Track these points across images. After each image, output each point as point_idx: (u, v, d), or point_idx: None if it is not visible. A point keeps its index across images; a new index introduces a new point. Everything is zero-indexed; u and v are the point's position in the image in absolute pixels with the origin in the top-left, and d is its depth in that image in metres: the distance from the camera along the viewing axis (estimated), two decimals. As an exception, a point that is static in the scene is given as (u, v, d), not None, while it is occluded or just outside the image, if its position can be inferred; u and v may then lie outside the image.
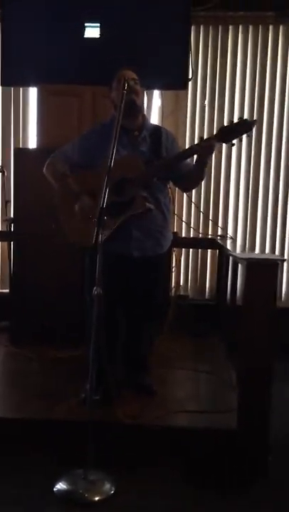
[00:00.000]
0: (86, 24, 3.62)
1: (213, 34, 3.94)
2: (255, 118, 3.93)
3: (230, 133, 2.36)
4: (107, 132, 2.27)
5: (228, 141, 2.38)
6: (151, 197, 2.46)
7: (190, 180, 2.62)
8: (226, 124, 2.42)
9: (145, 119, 2.61)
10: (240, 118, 2.39)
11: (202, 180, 2.68)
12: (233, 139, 2.36)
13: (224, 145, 2.51)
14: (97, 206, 2.08)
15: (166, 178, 2.57)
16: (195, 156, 2.48)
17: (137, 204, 2.41)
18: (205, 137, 2.57)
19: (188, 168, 2.55)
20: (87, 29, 3.63)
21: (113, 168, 2.23)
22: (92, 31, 3.63)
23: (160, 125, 2.97)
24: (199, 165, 2.47)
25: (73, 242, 2.53)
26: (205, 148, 2.38)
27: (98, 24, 3.62)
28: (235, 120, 2.39)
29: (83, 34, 3.63)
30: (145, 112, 2.66)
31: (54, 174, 2.54)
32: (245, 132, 2.36)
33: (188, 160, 2.55)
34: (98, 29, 3.63)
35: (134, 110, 2.48)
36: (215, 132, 2.49)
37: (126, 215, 2.41)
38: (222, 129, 2.38)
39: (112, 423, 2.31)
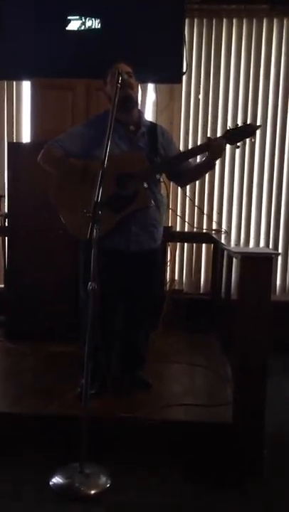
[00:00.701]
0: (79, 17, 3.60)
1: (207, 27, 3.92)
2: (250, 114, 3.95)
3: (236, 135, 2.41)
4: (103, 123, 2.26)
5: (234, 142, 2.43)
6: (150, 192, 2.46)
7: (189, 177, 2.63)
8: (230, 126, 2.49)
9: (141, 114, 2.60)
10: (245, 122, 2.46)
11: (201, 177, 2.70)
12: (239, 141, 2.43)
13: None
14: (92, 200, 2.07)
15: (164, 173, 2.58)
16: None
17: (141, 199, 2.41)
18: (200, 134, 2.58)
19: (189, 165, 2.55)
20: (80, 22, 3.61)
21: (115, 163, 2.23)
22: (85, 24, 3.61)
23: (155, 121, 2.96)
24: (207, 165, 2.50)
25: (71, 233, 2.51)
26: (216, 147, 2.40)
27: (92, 17, 3.60)
28: (242, 123, 2.45)
29: (77, 27, 3.60)
30: (140, 107, 2.64)
31: (51, 160, 2.48)
32: (250, 135, 2.42)
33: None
34: (92, 22, 3.61)
35: (130, 104, 2.47)
36: (213, 131, 2.51)
37: (128, 210, 2.40)
38: (230, 131, 2.43)
39: (108, 417, 2.32)
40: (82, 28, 3.61)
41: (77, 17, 3.60)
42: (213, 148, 2.41)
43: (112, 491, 2.02)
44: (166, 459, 2.26)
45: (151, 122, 2.69)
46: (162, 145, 2.55)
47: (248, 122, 2.46)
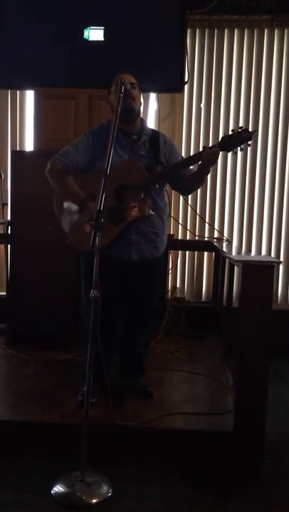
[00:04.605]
0: (82, 27, 3.64)
1: (209, 37, 3.96)
2: (251, 124, 3.98)
3: (232, 142, 2.39)
4: (106, 133, 2.28)
5: (230, 149, 2.41)
6: (151, 201, 2.48)
7: (190, 185, 2.63)
8: (225, 132, 2.46)
9: (143, 123, 2.62)
10: (241, 127, 2.43)
11: (203, 184, 2.70)
12: (235, 147, 2.40)
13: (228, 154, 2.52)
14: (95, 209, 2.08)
15: (165, 182, 2.59)
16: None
17: (140, 210, 2.42)
18: (202, 143, 2.58)
19: (189, 173, 2.56)
20: (83, 32, 3.65)
21: (114, 174, 2.24)
22: (88, 34, 3.65)
23: (157, 129, 2.98)
24: (201, 172, 2.50)
25: (73, 244, 2.53)
26: (209, 156, 2.40)
27: (94, 27, 3.64)
28: (237, 129, 2.41)
29: (79, 38, 3.65)
30: (142, 116, 2.66)
31: (54, 176, 2.50)
32: (246, 141, 2.39)
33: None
34: (94, 32, 3.65)
35: (132, 115, 2.49)
36: (215, 140, 2.49)
37: (128, 221, 2.42)
38: (224, 138, 2.41)
39: (109, 425, 2.31)
40: (85, 38, 3.65)
41: (80, 27, 3.64)
42: (205, 157, 2.41)
43: (113, 499, 2.01)
44: (167, 467, 2.25)
45: (153, 130, 2.70)
46: (164, 153, 2.56)
47: (244, 128, 2.42)
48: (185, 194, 3.09)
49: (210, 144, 3.91)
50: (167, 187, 2.69)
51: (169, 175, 2.50)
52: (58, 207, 2.56)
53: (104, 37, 3.64)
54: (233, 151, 2.41)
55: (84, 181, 2.46)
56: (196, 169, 2.54)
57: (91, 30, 3.64)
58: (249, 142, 2.40)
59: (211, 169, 2.50)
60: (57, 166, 2.48)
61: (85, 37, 3.65)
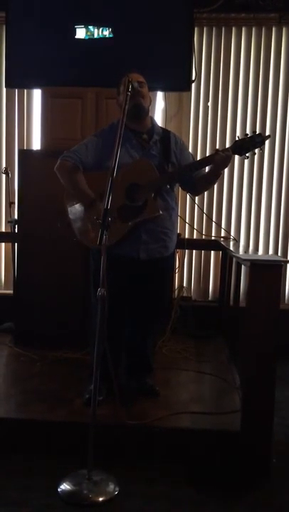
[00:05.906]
0: (89, 26, 3.64)
1: (216, 36, 3.95)
2: (258, 123, 3.96)
3: (244, 146, 2.41)
4: (116, 133, 2.28)
5: (242, 153, 2.42)
6: (161, 200, 2.47)
7: (200, 186, 2.64)
8: (238, 136, 2.47)
9: (153, 122, 2.62)
10: (254, 132, 2.44)
11: (212, 186, 2.70)
12: (247, 152, 2.42)
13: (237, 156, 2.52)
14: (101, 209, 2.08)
15: (176, 183, 2.59)
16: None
17: (150, 209, 2.42)
18: (209, 142, 2.57)
19: (200, 174, 2.56)
20: (89, 31, 3.65)
21: (126, 173, 2.24)
22: (95, 33, 3.65)
23: (167, 128, 2.97)
24: (213, 174, 2.50)
25: (82, 242, 2.53)
26: (222, 159, 2.41)
27: (101, 26, 3.64)
28: (250, 133, 2.43)
29: (85, 36, 3.65)
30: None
31: (63, 174, 2.50)
32: (259, 146, 2.41)
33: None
34: (101, 31, 3.65)
35: (141, 113, 2.48)
36: (222, 139, 2.49)
37: (137, 220, 2.42)
38: (237, 142, 2.42)
39: (116, 424, 2.32)
40: (92, 37, 3.66)
41: (87, 26, 3.64)
42: (217, 160, 2.41)
43: (119, 497, 2.01)
44: (173, 466, 2.25)
45: (164, 129, 2.69)
46: (175, 153, 2.55)
47: (257, 132, 2.44)
48: (194, 195, 3.08)
49: (217, 144, 3.95)
50: (176, 187, 2.68)
51: (180, 176, 2.50)
52: (68, 204, 2.56)
53: (112, 36, 3.63)
54: (245, 155, 2.42)
55: (94, 179, 2.46)
56: (206, 171, 2.54)
57: (98, 29, 3.64)
58: (261, 147, 2.41)
59: (222, 171, 2.50)
60: (66, 163, 2.48)
61: (91, 36, 3.65)
